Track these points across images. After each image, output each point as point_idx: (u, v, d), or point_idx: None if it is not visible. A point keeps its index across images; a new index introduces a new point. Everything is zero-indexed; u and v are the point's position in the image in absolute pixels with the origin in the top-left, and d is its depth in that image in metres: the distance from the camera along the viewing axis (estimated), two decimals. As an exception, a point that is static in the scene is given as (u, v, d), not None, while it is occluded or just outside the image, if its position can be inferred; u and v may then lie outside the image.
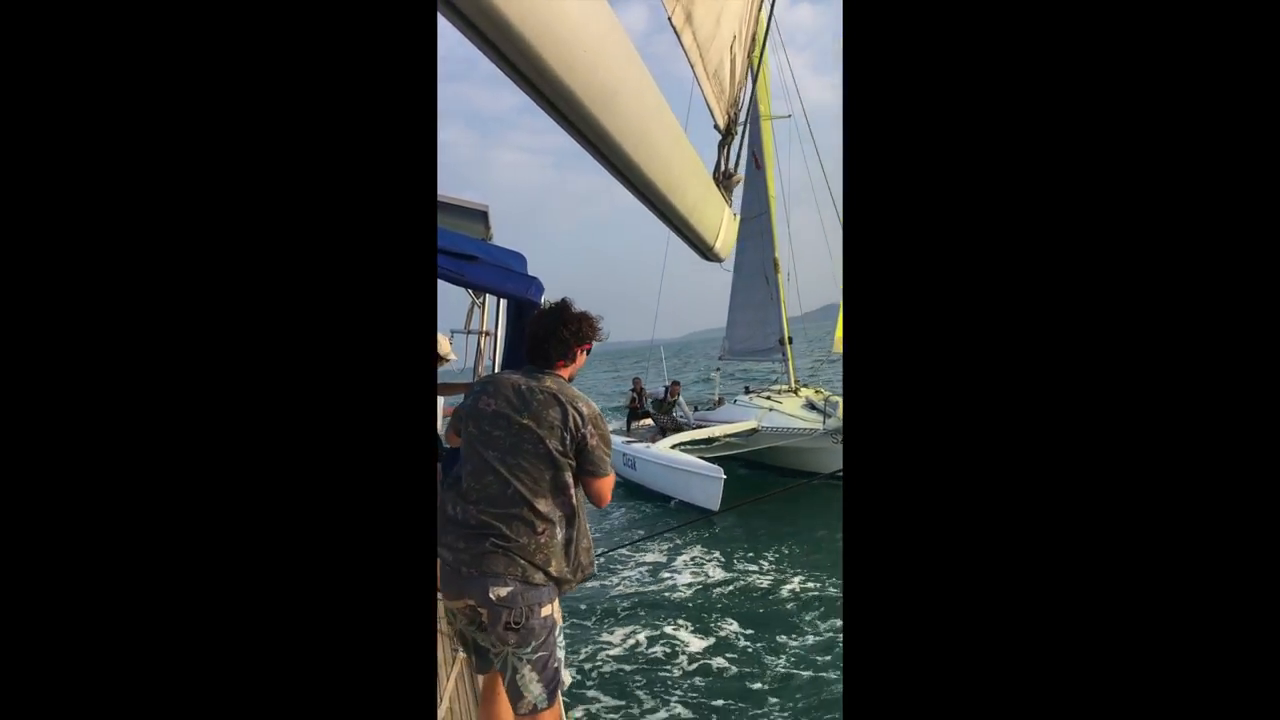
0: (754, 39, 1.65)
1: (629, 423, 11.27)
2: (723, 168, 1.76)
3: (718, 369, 13.34)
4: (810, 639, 4.75)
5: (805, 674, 4.30)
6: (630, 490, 9.65)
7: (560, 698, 1.69)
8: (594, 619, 5.38)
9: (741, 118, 1.68)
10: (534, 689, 1.61)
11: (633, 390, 11.66)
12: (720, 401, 11.65)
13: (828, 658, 4.44)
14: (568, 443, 1.64)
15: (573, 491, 1.67)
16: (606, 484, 1.72)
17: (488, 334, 3.75)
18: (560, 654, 1.67)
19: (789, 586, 5.73)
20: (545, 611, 1.62)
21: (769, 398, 10.17)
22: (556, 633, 1.66)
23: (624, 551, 6.70)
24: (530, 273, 2.67)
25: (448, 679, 2.56)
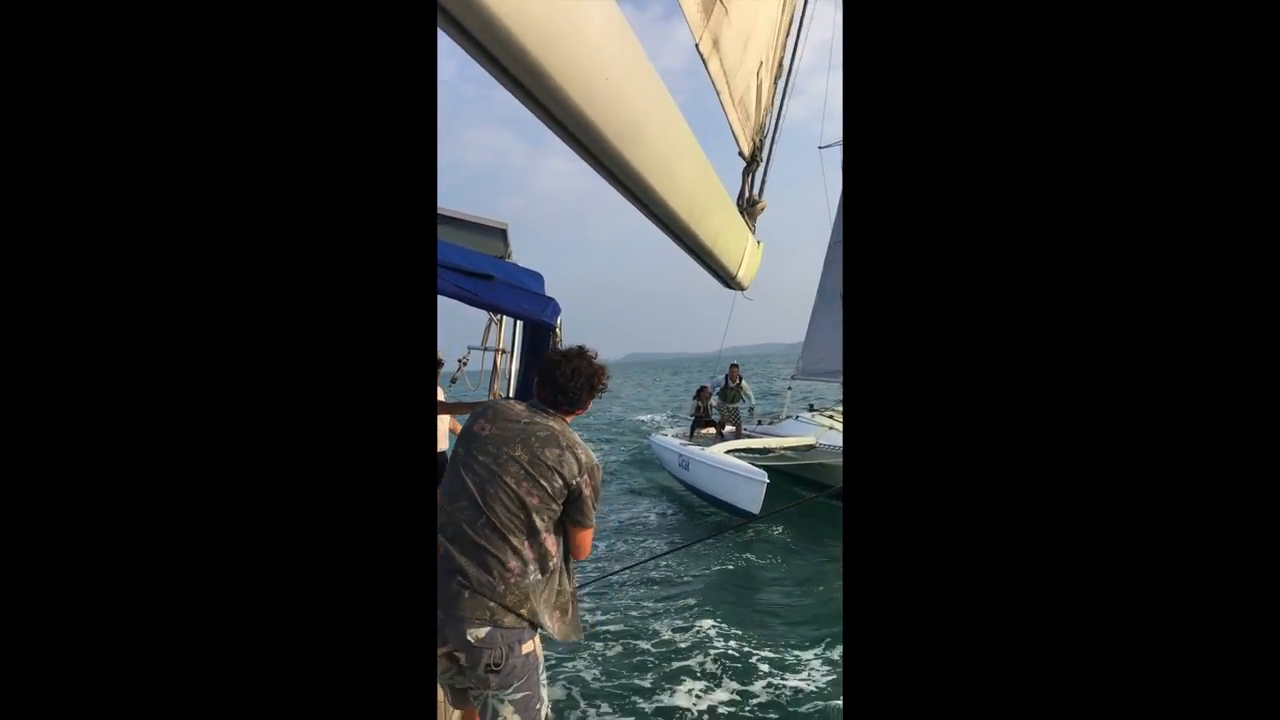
0: (781, 65, 1.61)
1: (692, 430, 11.18)
2: (747, 195, 1.71)
3: (789, 387, 13.30)
4: (814, 654, 4.65)
5: (807, 684, 4.20)
6: (678, 493, 9.85)
7: None
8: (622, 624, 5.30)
9: (767, 145, 1.63)
10: None
11: (697, 399, 11.44)
12: (784, 418, 11.67)
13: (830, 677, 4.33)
14: (558, 486, 1.53)
15: (547, 538, 1.54)
16: (587, 536, 1.65)
17: (504, 352, 3.72)
18: (544, 692, 1.57)
19: (805, 600, 5.63)
20: (526, 649, 1.51)
21: (831, 416, 10.11)
22: (540, 671, 1.56)
23: (664, 561, 6.72)
24: (550, 292, 2.64)
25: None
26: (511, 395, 3.27)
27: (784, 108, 1.64)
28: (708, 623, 5.38)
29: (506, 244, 3.56)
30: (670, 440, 10.70)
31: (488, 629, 1.46)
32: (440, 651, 1.49)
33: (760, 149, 1.61)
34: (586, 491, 1.57)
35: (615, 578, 6.27)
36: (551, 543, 1.56)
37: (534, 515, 1.52)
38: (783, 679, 4.45)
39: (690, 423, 11.44)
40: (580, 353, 1.68)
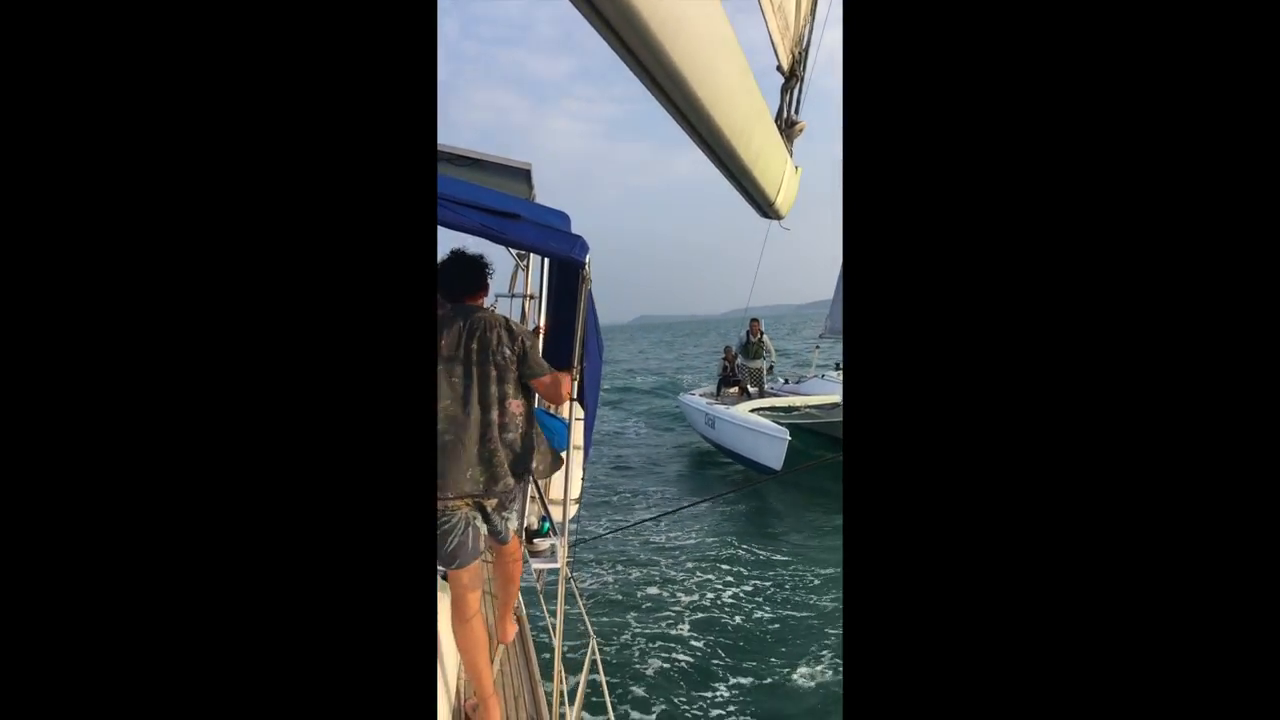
0: (823, -31, 1.50)
1: (719, 389, 11.42)
2: (785, 114, 1.63)
3: (818, 346, 13.28)
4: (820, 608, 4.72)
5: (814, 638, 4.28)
6: (705, 451, 10.20)
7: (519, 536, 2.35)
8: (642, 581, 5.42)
9: (809, 59, 1.54)
10: (511, 526, 2.21)
11: (724, 359, 11.70)
12: (810, 376, 11.68)
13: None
14: (508, 355, 2.04)
15: (514, 403, 2.04)
16: (552, 381, 2.11)
17: (532, 297, 3.69)
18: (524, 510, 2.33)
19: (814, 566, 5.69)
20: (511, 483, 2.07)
21: None
22: (525, 497, 2.35)
23: (686, 513, 6.88)
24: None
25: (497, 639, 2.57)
26: (543, 341, 3.25)
27: (828, 15, 1.54)
28: (725, 569, 5.46)
29: (530, 185, 3.49)
30: (697, 399, 10.93)
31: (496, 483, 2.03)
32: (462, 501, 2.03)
33: (799, 63, 1.51)
34: (529, 345, 2.07)
35: (637, 529, 6.39)
36: (518, 405, 2.05)
37: (503, 386, 2.01)
38: (790, 628, 4.53)
39: (717, 381, 11.57)
40: (460, 252, 2.24)
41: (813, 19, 1.51)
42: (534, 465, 2.10)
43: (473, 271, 2.20)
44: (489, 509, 2.08)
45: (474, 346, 2.01)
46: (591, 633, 2.45)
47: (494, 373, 2.02)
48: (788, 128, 1.63)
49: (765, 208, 1.76)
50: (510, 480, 2.02)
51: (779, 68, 1.49)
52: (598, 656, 2.41)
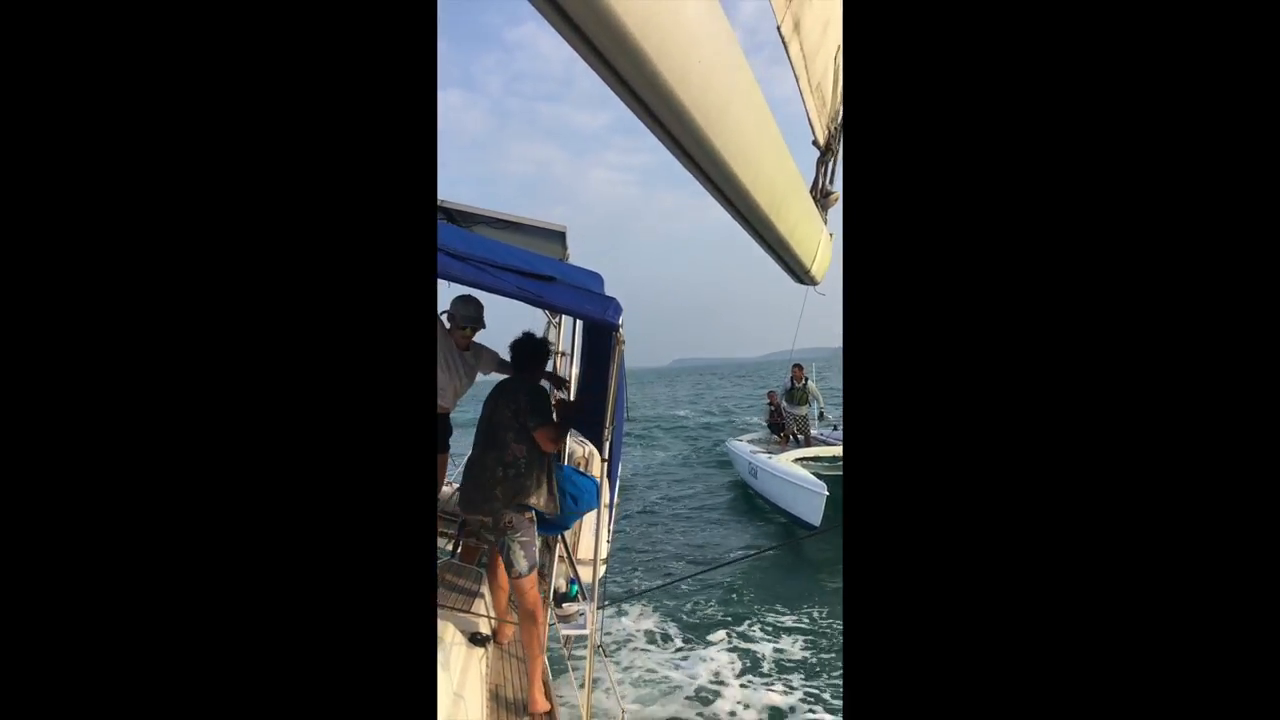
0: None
1: (769, 436, 10.95)
2: (820, 185, 1.65)
3: None
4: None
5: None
6: (749, 499, 9.83)
7: (536, 572, 2.57)
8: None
9: (844, 134, 1.57)
10: (521, 563, 2.51)
11: (769, 404, 11.09)
12: None
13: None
14: (515, 410, 2.56)
15: (516, 447, 2.53)
16: (541, 434, 2.55)
17: (564, 354, 3.73)
18: (536, 542, 2.57)
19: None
20: (527, 515, 2.53)
21: None
22: (534, 529, 2.57)
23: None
24: (609, 293, 2.62)
25: (524, 709, 2.50)
26: (573, 397, 3.27)
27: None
28: (763, 627, 5.28)
29: (565, 246, 3.57)
30: (743, 446, 10.59)
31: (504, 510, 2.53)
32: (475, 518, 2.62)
33: (835, 137, 1.55)
34: (524, 402, 2.55)
35: (668, 587, 6.24)
36: (519, 449, 2.54)
37: (505, 433, 2.53)
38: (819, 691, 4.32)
39: (766, 428, 11.19)
40: (530, 335, 2.79)
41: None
42: (531, 499, 2.53)
43: (539, 355, 2.80)
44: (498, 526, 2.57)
45: (501, 403, 2.61)
46: (622, 708, 2.34)
47: (505, 421, 2.58)
48: (823, 198, 1.66)
49: (801, 274, 1.78)
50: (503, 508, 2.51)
51: (814, 142, 1.52)
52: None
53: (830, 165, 1.65)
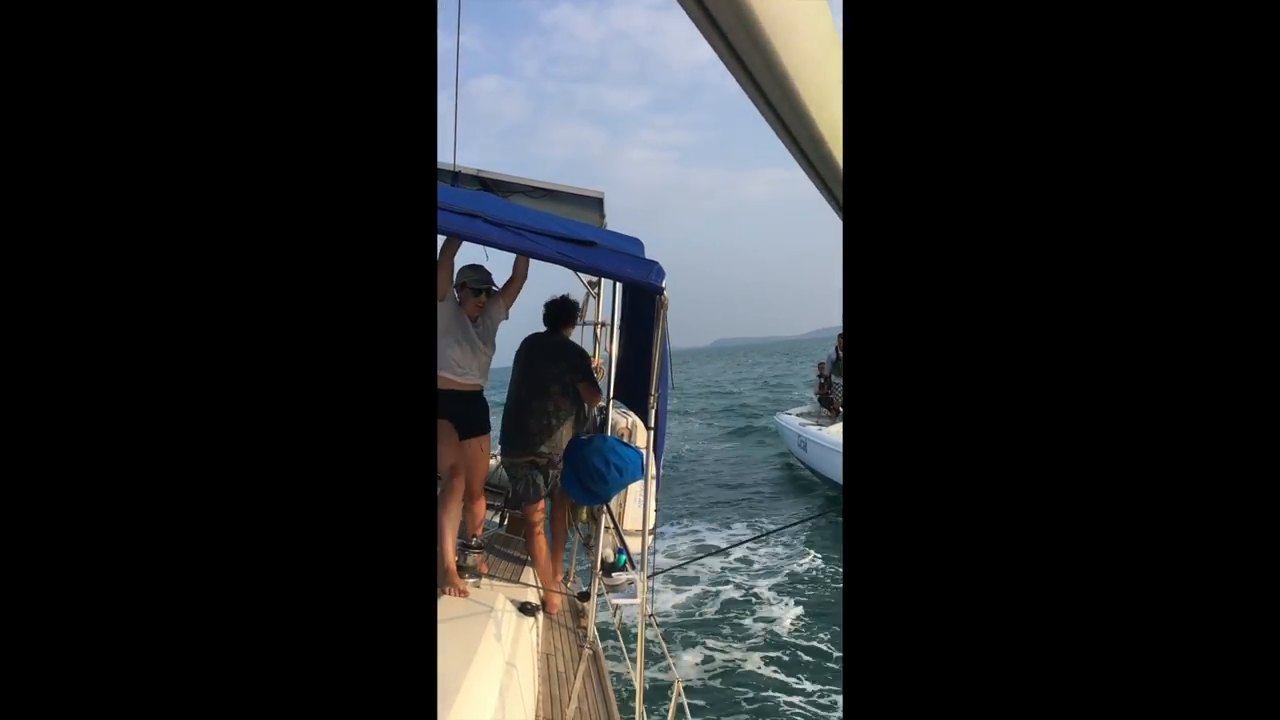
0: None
1: (819, 409, 10.64)
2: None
3: None
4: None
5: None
6: (799, 473, 9.90)
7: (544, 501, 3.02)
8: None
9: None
10: (542, 490, 2.95)
11: (819, 376, 10.73)
12: None
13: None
14: (564, 366, 2.97)
15: (561, 400, 2.96)
16: (589, 389, 3.04)
17: (604, 325, 3.68)
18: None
19: None
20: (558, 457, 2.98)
21: None
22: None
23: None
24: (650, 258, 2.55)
25: (575, 677, 2.50)
26: (614, 368, 3.23)
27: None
28: (809, 596, 5.23)
29: (602, 214, 3.51)
30: (792, 420, 10.51)
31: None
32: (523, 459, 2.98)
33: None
34: (575, 360, 3.00)
35: (717, 556, 6.23)
36: (563, 401, 2.95)
37: (552, 384, 2.94)
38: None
39: (816, 401, 10.89)
40: (565, 296, 3.19)
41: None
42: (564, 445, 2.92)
43: (566, 310, 3.20)
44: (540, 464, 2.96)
45: (542, 357, 3.00)
46: (677, 676, 2.32)
47: (552, 374, 2.95)
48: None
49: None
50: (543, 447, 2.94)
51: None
52: (684, 699, 2.29)
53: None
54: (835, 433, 8.45)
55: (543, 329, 3.18)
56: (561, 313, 3.16)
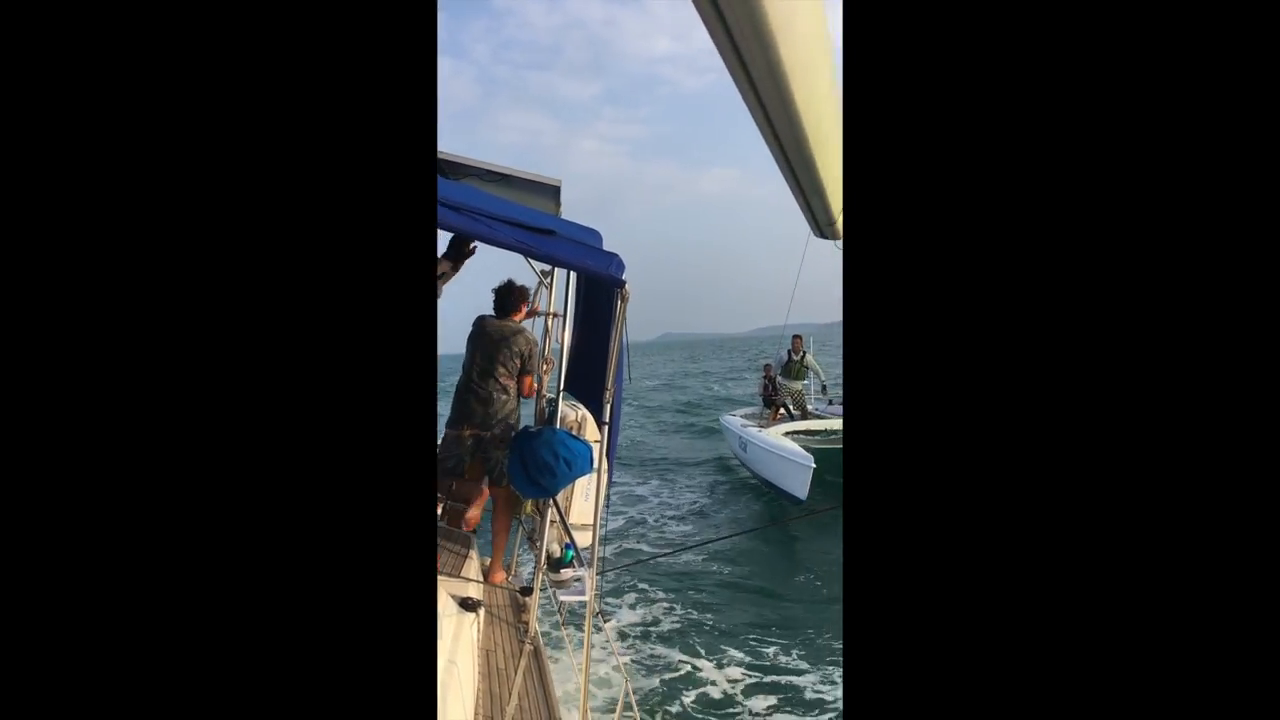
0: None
1: (763, 410, 10.66)
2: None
3: None
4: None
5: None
6: (739, 475, 9.66)
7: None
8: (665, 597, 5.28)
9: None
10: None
11: (764, 378, 10.78)
12: None
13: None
14: (516, 352, 3.13)
15: (509, 382, 3.11)
16: (528, 380, 3.16)
17: (556, 315, 3.62)
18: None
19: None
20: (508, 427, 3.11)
21: None
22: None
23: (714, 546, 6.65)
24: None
25: (516, 674, 2.45)
26: (565, 361, 3.18)
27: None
28: (750, 600, 5.31)
29: (558, 203, 3.44)
30: (735, 420, 10.31)
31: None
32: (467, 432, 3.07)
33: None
34: (524, 349, 3.13)
35: (658, 560, 6.25)
36: (510, 384, 3.12)
37: (499, 367, 3.07)
38: (786, 677, 4.36)
39: (761, 402, 10.89)
40: (511, 282, 3.29)
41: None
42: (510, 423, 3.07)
43: (522, 298, 3.30)
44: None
45: (495, 341, 3.11)
46: (625, 674, 2.30)
47: (501, 358, 3.08)
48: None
49: (824, 227, 1.69)
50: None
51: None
52: (632, 699, 2.28)
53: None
54: (773, 435, 8.44)
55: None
56: (509, 299, 3.25)
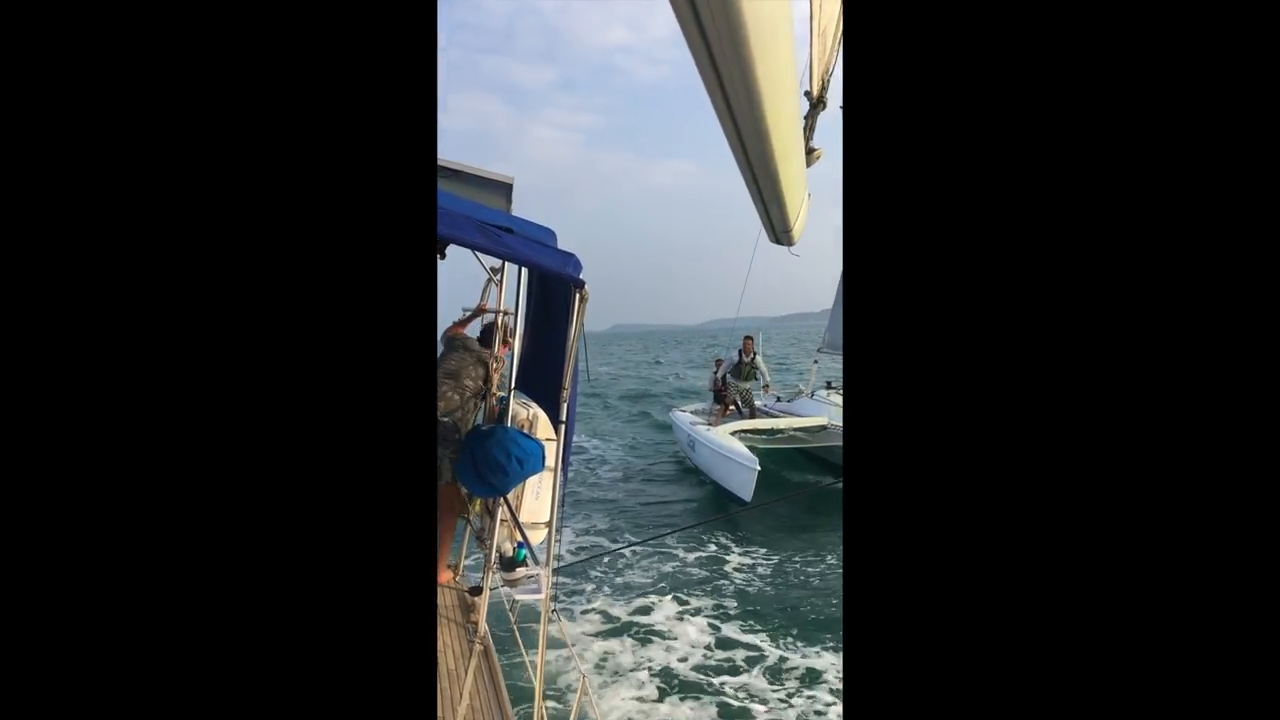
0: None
1: (713, 406, 10.53)
2: (807, 141, 1.62)
3: (816, 361, 11.90)
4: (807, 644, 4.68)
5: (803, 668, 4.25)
6: (687, 473, 9.62)
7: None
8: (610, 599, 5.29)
9: (832, 87, 1.53)
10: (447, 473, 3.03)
11: (714, 373, 10.69)
12: (801, 395, 10.75)
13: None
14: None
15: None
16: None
17: (508, 313, 3.59)
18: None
19: (797, 589, 5.68)
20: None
21: None
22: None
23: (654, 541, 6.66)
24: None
25: (466, 674, 2.43)
26: (516, 359, 3.16)
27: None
28: (674, 609, 5.37)
29: (509, 200, 3.41)
30: (685, 417, 10.25)
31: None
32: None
33: (827, 89, 1.51)
34: (484, 373, 3.20)
35: (611, 556, 6.25)
36: (470, 388, 3.14)
37: (464, 375, 3.12)
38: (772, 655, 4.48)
39: (711, 398, 10.79)
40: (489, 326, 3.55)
41: (842, 47, 1.51)
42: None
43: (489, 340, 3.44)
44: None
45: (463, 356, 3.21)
46: (583, 671, 2.32)
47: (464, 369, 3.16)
48: (808, 154, 1.63)
49: (781, 232, 1.75)
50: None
51: (807, 93, 1.48)
52: (590, 695, 2.29)
53: (814, 121, 1.61)
54: (720, 435, 8.43)
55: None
56: (489, 337, 3.49)
